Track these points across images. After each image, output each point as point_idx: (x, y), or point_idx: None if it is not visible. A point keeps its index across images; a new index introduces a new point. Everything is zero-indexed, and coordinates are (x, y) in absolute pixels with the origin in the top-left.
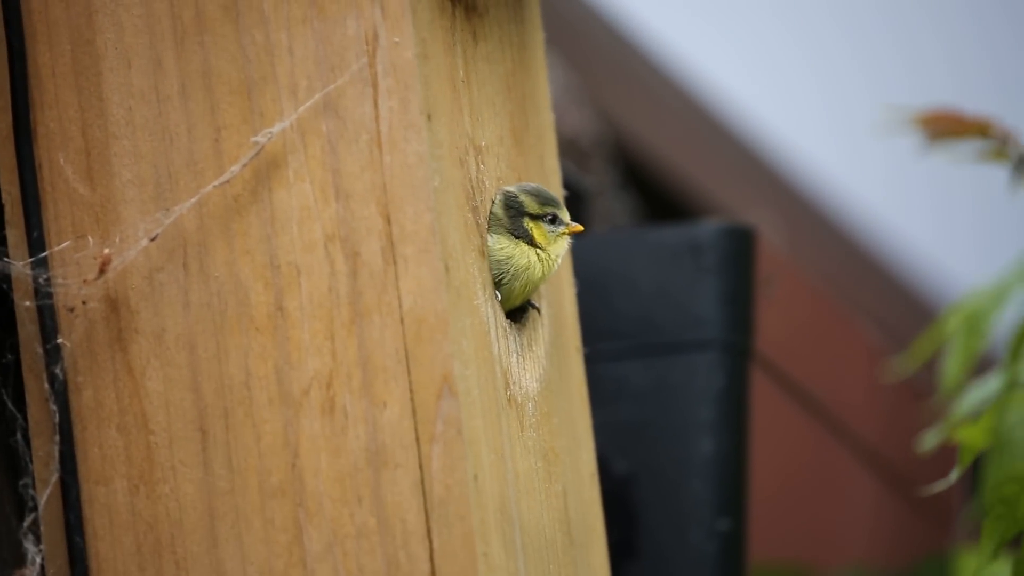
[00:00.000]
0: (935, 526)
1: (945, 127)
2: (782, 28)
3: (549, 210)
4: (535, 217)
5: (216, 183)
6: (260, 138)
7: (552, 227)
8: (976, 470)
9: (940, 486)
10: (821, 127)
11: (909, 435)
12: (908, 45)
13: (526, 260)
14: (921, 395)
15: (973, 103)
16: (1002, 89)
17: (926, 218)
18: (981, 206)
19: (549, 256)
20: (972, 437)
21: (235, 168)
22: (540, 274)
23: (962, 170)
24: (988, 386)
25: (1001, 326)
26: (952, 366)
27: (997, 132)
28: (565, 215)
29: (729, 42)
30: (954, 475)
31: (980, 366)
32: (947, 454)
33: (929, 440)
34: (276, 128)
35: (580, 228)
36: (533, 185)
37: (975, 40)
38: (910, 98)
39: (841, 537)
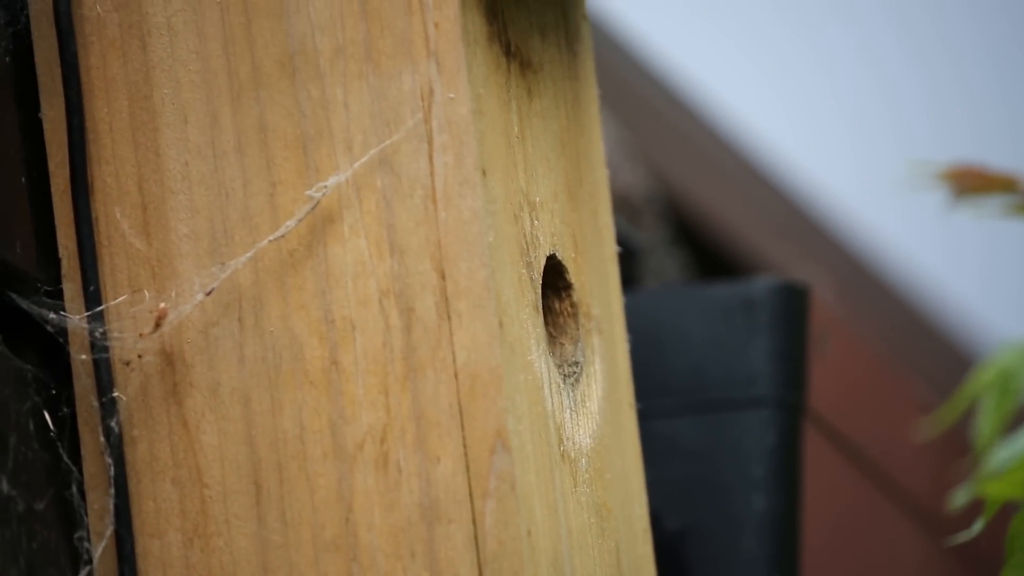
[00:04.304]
0: None
1: (971, 182)
2: (836, 87)
3: None
4: None
5: (271, 238)
6: (315, 193)
7: None
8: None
9: (963, 537)
10: (872, 185)
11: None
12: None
13: None
14: (968, 451)
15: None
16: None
17: (974, 274)
18: None
19: None
20: (997, 490)
21: (291, 223)
22: None
23: (1010, 228)
24: (1018, 441)
25: None
26: (985, 425)
27: (1023, 187)
28: None
29: (780, 100)
30: (977, 526)
31: (1014, 423)
32: (1000, 513)
33: (960, 497)
34: (331, 182)
35: None
36: None
37: None
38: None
39: None
